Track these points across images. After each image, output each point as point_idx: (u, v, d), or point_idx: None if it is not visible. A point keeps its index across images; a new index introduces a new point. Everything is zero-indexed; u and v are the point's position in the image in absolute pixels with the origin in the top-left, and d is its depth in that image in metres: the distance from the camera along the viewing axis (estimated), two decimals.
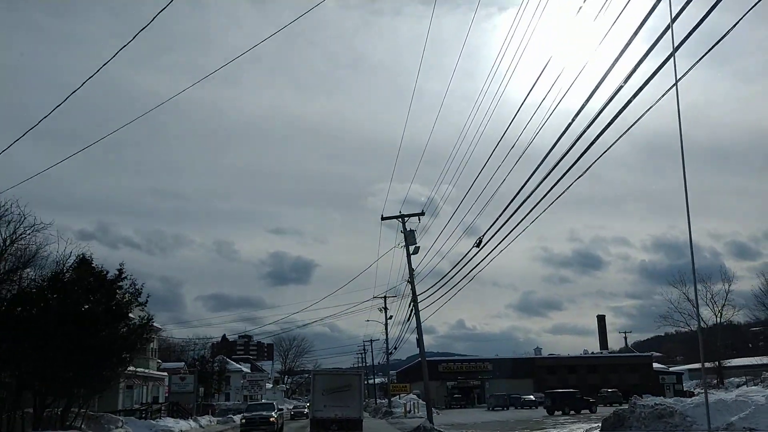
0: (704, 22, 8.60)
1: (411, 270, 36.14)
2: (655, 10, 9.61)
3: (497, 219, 17.85)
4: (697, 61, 9.51)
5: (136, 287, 30.95)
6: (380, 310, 70.42)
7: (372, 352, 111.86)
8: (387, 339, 70.81)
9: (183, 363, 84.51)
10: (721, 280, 67.83)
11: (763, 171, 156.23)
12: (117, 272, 30.50)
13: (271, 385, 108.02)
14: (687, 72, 9.87)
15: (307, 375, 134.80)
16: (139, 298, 31.12)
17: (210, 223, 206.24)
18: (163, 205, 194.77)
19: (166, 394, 51.38)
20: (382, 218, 37.05)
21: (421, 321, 36.52)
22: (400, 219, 36.45)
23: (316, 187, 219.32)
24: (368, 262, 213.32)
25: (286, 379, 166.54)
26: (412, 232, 36.22)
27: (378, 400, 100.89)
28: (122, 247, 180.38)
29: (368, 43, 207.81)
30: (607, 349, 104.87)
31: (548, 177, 14.39)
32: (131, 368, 35.90)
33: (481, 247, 20.86)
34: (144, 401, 47.29)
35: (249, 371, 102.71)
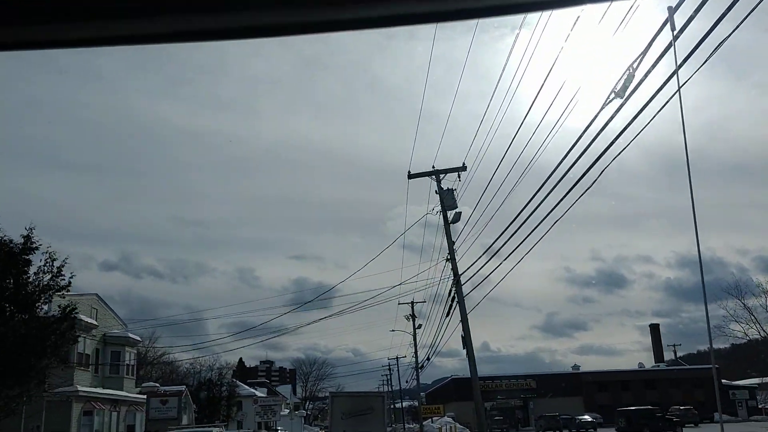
0: (711, 33, 8.41)
1: (450, 240, 27.26)
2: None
3: (502, 234, 17.74)
4: (696, 70, 9.55)
5: (54, 261, 21.08)
6: (407, 319, 60.37)
7: (398, 370, 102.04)
8: (416, 346, 60.40)
9: (184, 387, 74.91)
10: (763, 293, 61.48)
11: None
12: (23, 240, 20.64)
13: (288, 411, 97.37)
14: (687, 80, 9.81)
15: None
16: (59, 280, 21.16)
17: (231, 250, 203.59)
18: (184, 234, 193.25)
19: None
20: (409, 176, 28.16)
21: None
22: (433, 177, 27.55)
23: (335, 213, 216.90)
24: (390, 285, 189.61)
25: (307, 404, 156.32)
26: (450, 191, 27.34)
27: (407, 425, 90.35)
28: (146, 276, 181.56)
29: (384, 66, 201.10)
30: (664, 362, 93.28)
31: (554, 191, 14.39)
32: (83, 388, 26.28)
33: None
34: None
35: (264, 396, 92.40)
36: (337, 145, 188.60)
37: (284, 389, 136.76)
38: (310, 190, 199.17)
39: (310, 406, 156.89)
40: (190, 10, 1.27)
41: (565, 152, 13.13)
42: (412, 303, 59.93)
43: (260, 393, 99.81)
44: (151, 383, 76.81)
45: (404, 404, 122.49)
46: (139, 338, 43.21)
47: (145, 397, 41.68)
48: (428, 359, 55.19)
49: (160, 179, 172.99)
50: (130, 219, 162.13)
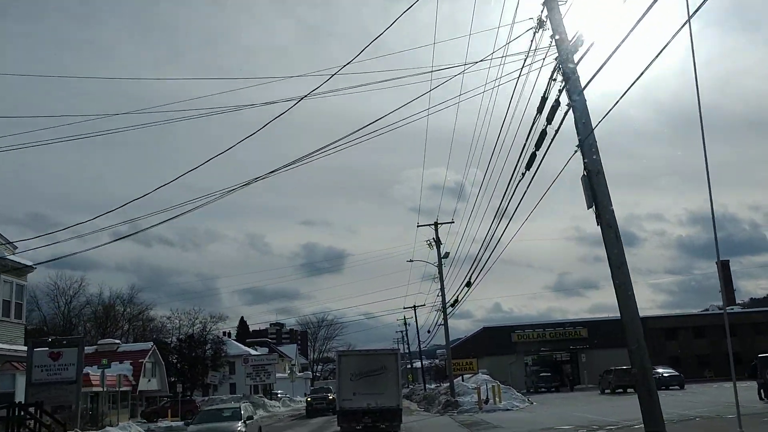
0: None
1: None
2: None
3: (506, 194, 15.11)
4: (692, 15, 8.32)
5: None
6: (429, 245, 45.23)
7: (416, 321, 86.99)
8: (441, 277, 45.05)
9: (151, 343, 60.53)
10: None
11: None
12: None
13: (288, 372, 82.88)
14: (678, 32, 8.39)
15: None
16: None
17: (240, 217, 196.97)
18: (194, 202, 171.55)
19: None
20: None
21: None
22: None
23: (344, 177, 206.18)
24: (399, 250, 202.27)
25: (315, 367, 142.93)
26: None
27: (428, 386, 75.85)
28: (156, 244, 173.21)
29: (389, 30, 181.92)
30: (737, 305, 78.10)
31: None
32: None
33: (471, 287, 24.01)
34: None
35: (258, 354, 77.84)
36: (346, 109, 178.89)
37: (289, 350, 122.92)
38: (316, 155, 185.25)
39: (319, 368, 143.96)
40: None
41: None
42: (436, 224, 45.02)
43: (255, 352, 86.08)
44: (110, 340, 62.91)
45: (423, 363, 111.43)
46: (30, 263, 28.13)
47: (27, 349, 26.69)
48: (457, 301, 40.38)
49: (165, 148, 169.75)
50: (139, 188, 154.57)
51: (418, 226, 44.76)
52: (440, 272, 45.31)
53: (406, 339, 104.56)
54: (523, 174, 13.59)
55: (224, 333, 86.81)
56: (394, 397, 25.73)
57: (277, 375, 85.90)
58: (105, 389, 42.85)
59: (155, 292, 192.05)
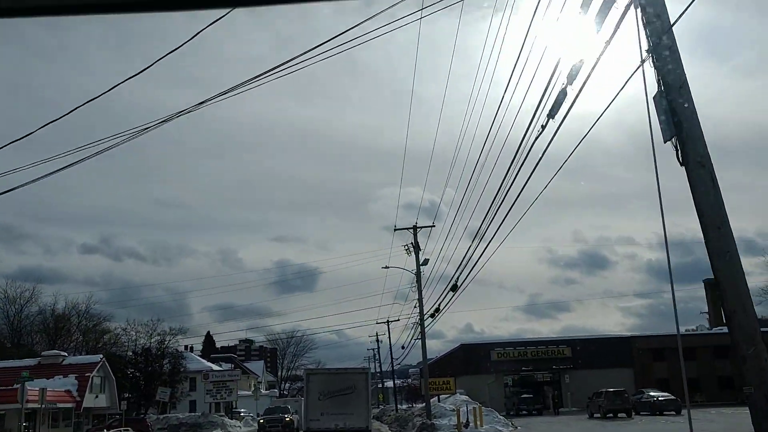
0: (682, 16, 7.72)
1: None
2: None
3: (486, 215, 16.54)
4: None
5: None
6: (407, 251, 41.26)
7: (389, 337, 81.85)
8: (420, 285, 40.95)
9: (100, 356, 55.52)
10: None
11: (763, 167, 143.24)
12: None
13: (252, 390, 78.13)
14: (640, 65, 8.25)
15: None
16: None
17: (213, 232, 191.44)
18: (165, 216, 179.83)
19: None
20: (395, 228, 41.18)
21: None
22: (412, 230, 40.36)
23: (317, 195, 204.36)
24: (373, 268, 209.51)
25: (284, 385, 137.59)
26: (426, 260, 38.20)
27: (399, 407, 71.56)
28: (126, 258, 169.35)
29: (365, 48, 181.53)
30: (724, 325, 74.94)
31: (533, 174, 13.31)
32: None
33: (457, 292, 22.27)
34: None
35: (220, 369, 72.96)
36: (319, 125, 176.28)
37: (256, 366, 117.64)
38: (291, 171, 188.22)
39: (286, 386, 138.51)
40: None
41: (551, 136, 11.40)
42: (415, 227, 41.26)
43: (221, 369, 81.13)
44: (55, 351, 57.75)
45: (396, 383, 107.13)
46: None
47: None
48: (438, 311, 36.31)
49: (139, 161, 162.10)
50: (109, 201, 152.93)
51: (395, 230, 42.10)
52: (418, 279, 41.35)
53: (377, 357, 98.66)
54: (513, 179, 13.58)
55: (186, 347, 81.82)
56: (364, 417, 25.03)
57: (241, 392, 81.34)
58: (44, 406, 38.29)
59: (122, 306, 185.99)
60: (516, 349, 60.79)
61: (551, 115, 11.07)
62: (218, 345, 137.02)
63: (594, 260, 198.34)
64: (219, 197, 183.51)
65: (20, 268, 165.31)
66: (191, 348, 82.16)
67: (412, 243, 40.79)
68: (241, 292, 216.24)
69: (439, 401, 46.01)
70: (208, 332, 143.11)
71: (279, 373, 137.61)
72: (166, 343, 63.56)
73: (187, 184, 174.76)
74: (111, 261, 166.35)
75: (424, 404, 42.39)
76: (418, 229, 40.57)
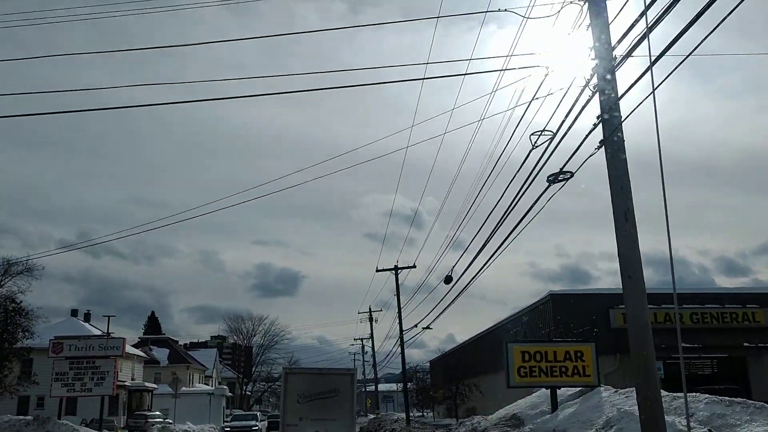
0: (683, 36, 8.06)
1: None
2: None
3: (478, 232, 16.54)
4: (670, 74, 8.87)
5: None
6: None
7: (372, 334, 69.60)
8: (401, 325, 39.89)
9: None
10: None
11: (750, 187, 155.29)
12: None
13: (171, 382, 50.97)
14: (661, 83, 8.91)
15: (278, 380, 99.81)
16: None
17: (193, 233, 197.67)
18: (145, 214, 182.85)
19: None
20: (377, 270, 43.84)
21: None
22: (393, 271, 42.85)
23: (300, 199, 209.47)
24: (355, 275, 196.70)
25: (245, 385, 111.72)
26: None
27: (412, 414, 46.98)
28: (105, 256, 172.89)
29: (351, 55, 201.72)
30: None
31: (528, 189, 13.02)
32: None
33: (452, 284, 20.25)
34: None
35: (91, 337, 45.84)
36: (303, 131, 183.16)
37: (205, 355, 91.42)
38: (273, 175, 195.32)
39: (248, 386, 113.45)
40: None
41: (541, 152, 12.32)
42: (396, 268, 42.38)
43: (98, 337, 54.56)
44: None
45: (371, 387, 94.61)
46: None
47: None
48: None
49: (119, 159, 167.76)
50: (88, 198, 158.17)
51: (377, 271, 44.48)
52: (400, 321, 41.52)
53: (363, 357, 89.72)
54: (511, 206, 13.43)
55: (74, 313, 55.53)
56: (348, 424, 23.21)
57: (183, 389, 55.92)
58: None
59: (102, 304, 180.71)
60: (661, 309, 32.06)
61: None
62: (186, 342, 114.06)
63: (576, 275, 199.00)
64: (201, 198, 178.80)
65: None
66: (87, 314, 55.68)
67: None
68: (221, 294, 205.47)
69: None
70: (152, 312, 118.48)
71: (251, 372, 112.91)
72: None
73: (169, 184, 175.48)
74: (90, 258, 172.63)
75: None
76: (400, 270, 42.97)
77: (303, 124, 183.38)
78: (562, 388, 20.40)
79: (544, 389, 21.35)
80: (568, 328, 30.85)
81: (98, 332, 53.57)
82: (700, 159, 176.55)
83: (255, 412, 57.77)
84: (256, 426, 43.91)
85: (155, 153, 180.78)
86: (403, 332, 42.29)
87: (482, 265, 17.30)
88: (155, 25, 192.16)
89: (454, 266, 19.98)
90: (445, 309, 26.32)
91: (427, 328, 30.41)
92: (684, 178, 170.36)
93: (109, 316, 41.66)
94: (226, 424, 48.07)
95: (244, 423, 44.57)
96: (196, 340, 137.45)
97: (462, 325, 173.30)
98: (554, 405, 19.67)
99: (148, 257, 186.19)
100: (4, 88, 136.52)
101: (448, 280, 20.59)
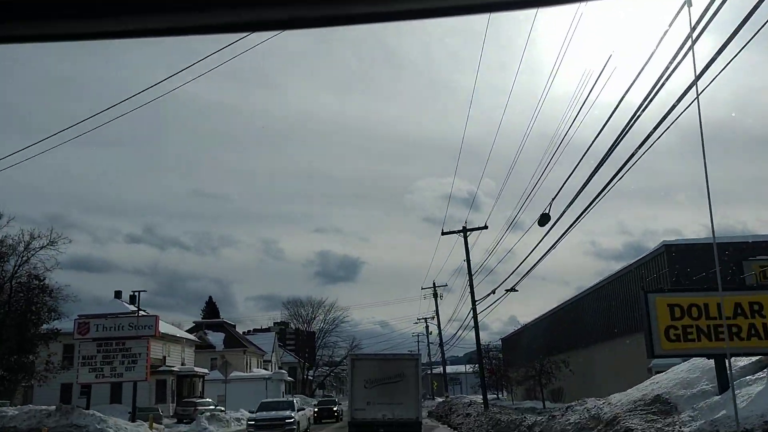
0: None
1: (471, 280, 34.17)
2: None
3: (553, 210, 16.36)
4: (720, 50, 8.39)
5: None
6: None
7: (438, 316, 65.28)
8: (472, 287, 34.86)
9: None
10: None
11: None
12: None
13: (220, 366, 46.31)
14: (710, 63, 8.69)
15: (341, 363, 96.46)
16: None
17: (253, 224, 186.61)
18: (206, 207, 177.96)
19: None
20: (443, 233, 37.76)
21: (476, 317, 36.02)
22: (461, 233, 36.82)
23: (355, 186, 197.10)
24: (413, 258, 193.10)
25: (307, 371, 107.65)
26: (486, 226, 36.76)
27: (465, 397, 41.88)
28: (171, 248, 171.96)
29: (399, 39, 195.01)
30: None
31: (599, 170, 12.95)
32: None
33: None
34: None
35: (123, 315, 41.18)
36: (357, 118, 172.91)
37: (264, 339, 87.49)
38: (328, 163, 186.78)
39: (312, 372, 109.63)
40: (193, 7, 1.32)
41: (597, 131, 12.98)
42: (464, 229, 36.84)
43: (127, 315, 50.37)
44: None
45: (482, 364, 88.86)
46: None
47: None
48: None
49: (180, 153, 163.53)
50: (152, 193, 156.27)
51: (443, 234, 38.45)
52: (471, 287, 36.04)
53: (427, 340, 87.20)
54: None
55: (119, 295, 51.39)
56: (414, 408, 23.91)
57: (237, 374, 51.61)
58: None
59: (170, 296, 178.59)
60: None
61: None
62: (249, 329, 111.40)
63: (639, 253, 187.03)
64: (259, 189, 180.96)
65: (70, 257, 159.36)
66: (132, 296, 51.41)
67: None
68: (283, 283, 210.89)
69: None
70: (210, 297, 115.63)
71: (314, 357, 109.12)
72: (25, 259, 33.04)
73: (226, 177, 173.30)
74: (156, 251, 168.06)
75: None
76: (468, 233, 37.29)
77: (354, 111, 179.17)
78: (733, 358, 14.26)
79: (699, 359, 15.25)
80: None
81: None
82: (764, 129, 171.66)
83: (291, 399, 39.94)
84: (291, 418, 30.28)
85: (211, 146, 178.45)
86: (476, 302, 36.52)
87: (551, 244, 17.83)
88: None
89: (550, 203, 16.99)
90: (526, 273, 22.60)
91: (512, 290, 25.82)
92: (748, 150, 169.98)
93: (139, 291, 37.26)
94: (250, 416, 34.01)
95: (273, 415, 30.57)
96: (259, 327, 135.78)
97: (524, 307, 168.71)
98: (722, 383, 13.55)
99: (212, 248, 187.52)
100: (66, 90, 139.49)
101: (544, 219, 17.58)
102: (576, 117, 14.10)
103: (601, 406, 16.89)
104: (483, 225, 37.38)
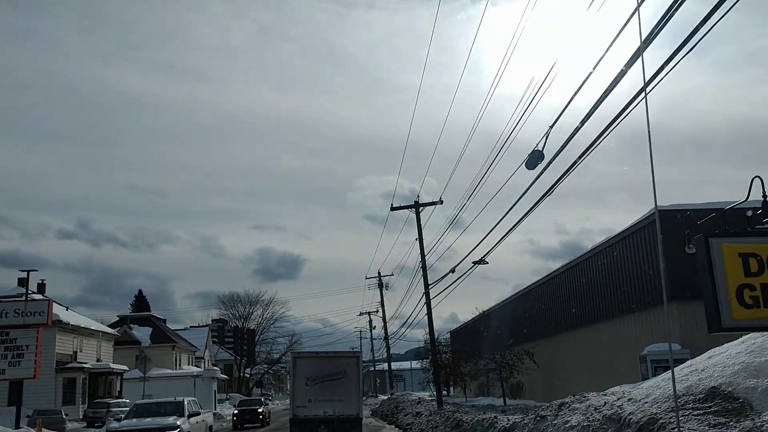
0: (677, 13, 8.40)
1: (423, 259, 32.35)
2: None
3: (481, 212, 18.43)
4: (672, 55, 8.84)
5: None
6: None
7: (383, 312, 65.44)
8: (424, 263, 32.36)
9: None
10: None
11: (745, 160, 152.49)
12: None
13: (138, 359, 40.73)
14: (660, 71, 9.13)
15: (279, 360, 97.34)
16: None
17: (192, 220, 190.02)
18: (143, 202, 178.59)
19: None
20: (392, 208, 34.74)
21: (425, 315, 33.29)
22: (412, 210, 33.96)
23: (296, 184, 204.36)
24: (355, 257, 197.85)
25: (244, 369, 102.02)
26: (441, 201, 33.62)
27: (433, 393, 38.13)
28: (105, 244, 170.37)
29: (343, 36, 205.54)
30: None
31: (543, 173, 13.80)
32: None
33: (481, 262, 22.12)
34: None
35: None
36: (298, 114, 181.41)
37: (197, 335, 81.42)
38: (268, 160, 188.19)
39: (249, 370, 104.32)
40: None
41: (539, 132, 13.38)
42: (416, 204, 34.11)
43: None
44: None
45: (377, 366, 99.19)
46: None
47: None
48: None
49: (115, 147, 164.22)
50: (85, 187, 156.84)
51: (392, 209, 35.37)
52: (424, 268, 32.83)
53: (371, 335, 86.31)
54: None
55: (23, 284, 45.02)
56: (355, 405, 23.81)
57: (165, 371, 45.91)
58: None
59: (105, 293, 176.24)
60: None
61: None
62: (186, 326, 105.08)
63: (576, 252, 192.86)
64: (198, 185, 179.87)
65: None
66: (40, 285, 44.94)
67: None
68: (222, 280, 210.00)
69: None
70: (140, 291, 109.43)
71: (254, 354, 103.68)
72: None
73: (163, 172, 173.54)
74: (90, 247, 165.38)
75: None
76: (421, 208, 34.51)
77: (296, 107, 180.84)
78: None
79: (756, 335, 11.08)
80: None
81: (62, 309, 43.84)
82: (697, 132, 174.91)
83: (181, 399, 26.86)
84: (176, 427, 21.35)
85: (148, 140, 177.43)
86: (429, 287, 32.20)
87: (492, 245, 19.86)
88: (142, 10, 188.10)
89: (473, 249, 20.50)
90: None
91: (482, 262, 22.32)
92: (679, 152, 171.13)
93: (28, 270, 31.07)
94: (111, 426, 23.87)
95: (148, 423, 21.76)
96: (196, 325, 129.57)
97: (463, 305, 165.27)
98: None
99: (149, 245, 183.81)
100: None
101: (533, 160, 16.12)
102: (519, 120, 14.46)
103: (619, 404, 12.67)
104: (439, 200, 33.58)
